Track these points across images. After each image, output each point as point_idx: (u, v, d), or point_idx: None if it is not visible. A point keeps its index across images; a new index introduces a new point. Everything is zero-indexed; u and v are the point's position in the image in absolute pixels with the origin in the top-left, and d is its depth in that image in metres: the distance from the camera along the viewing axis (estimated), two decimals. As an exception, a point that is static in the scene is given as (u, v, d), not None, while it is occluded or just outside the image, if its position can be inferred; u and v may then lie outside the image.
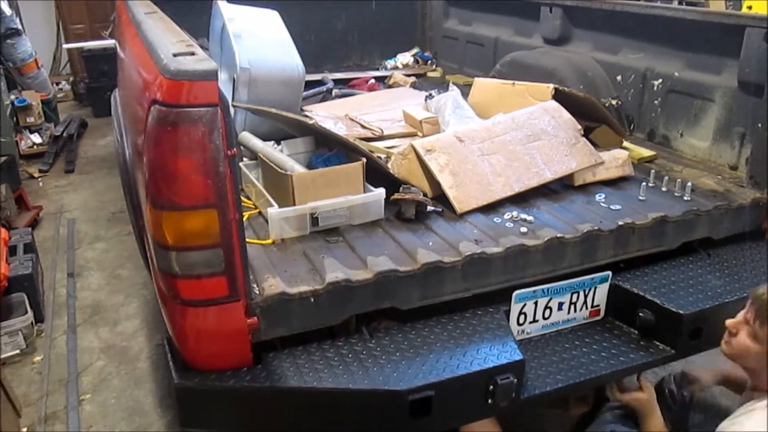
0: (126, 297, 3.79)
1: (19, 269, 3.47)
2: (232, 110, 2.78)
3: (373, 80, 4.24)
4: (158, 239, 1.60)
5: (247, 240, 1.74)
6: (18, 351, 3.28)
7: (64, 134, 6.26)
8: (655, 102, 2.97)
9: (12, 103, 5.93)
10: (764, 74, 2.40)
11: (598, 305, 2.19)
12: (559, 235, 2.10)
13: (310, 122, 2.58)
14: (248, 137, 2.59)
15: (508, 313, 2.05)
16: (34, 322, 3.40)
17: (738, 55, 2.50)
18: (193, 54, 1.58)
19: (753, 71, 2.45)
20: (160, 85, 1.49)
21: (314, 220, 2.15)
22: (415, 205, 2.23)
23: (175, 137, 1.47)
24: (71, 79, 8.06)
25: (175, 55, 1.55)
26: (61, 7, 7.87)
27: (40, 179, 5.64)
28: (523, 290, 2.05)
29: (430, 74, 4.58)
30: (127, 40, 2.45)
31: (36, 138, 6.14)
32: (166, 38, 1.80)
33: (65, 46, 7.74)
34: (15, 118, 5.98)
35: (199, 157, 1.49)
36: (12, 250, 3.65)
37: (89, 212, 4.97)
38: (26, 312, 3.34)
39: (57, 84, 7.82)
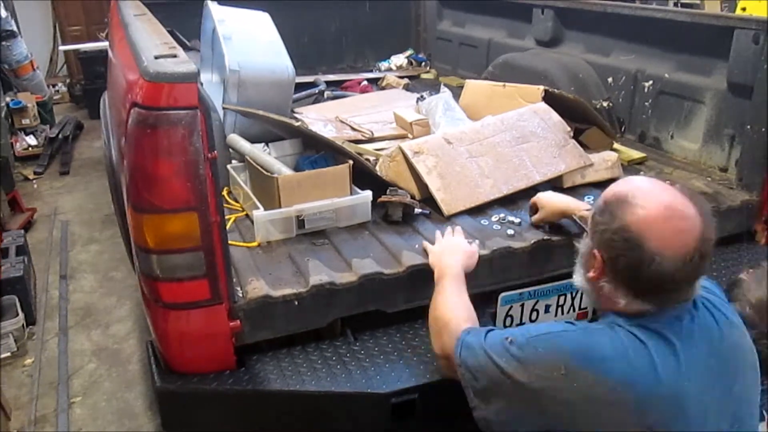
0: (118, 299, 3.78)
1: (10, 272, 3.45)
2: (221, 112, 2.78)
3: (365, 82, 4.24)
4: (139, 242, 1.59)
5: (231, 242, 1.74)
6: (9, 354, 3.26)
7: (59, 136, 6.25)
8: (646, 104, 2.96)
9: (7, 104, 5.90)
10: (753, 76, 2.39)
11: (585, 308, 2.17)
12: (546, 238, 2.09)
13: (296, 124, 2.58)
14: (236, 139, 2.59)
15: (494, 315, 2.04)
16: (25, 324, 3.39)
17: (727, 56, 2.50)
18: (174, 56, 1.57)
19: (742, 73, 2.45)
20: (140, 87, 1.49)
21: (300, 222, 2.14)
22: (402, 207, 2.22)
23: (155, 140, 1.47)
24: (67, 80, 8.05)
25: (156, 58, 1.55)
26: (57, 9, 7.84)
27: (34, 181, 5.62)
28: (509, 292, 2.04)
29: (424, 76, 4.57)
30: (116, 42, 2.45)
31: (31, 140, 6.12)
32: (151, 40, 1.79)
33: (61, 47, 7.71)
34: (10, 120, 5.95)
35: (179, 160, 1.49)
36: (4, 253, 3.64)
37: (83, 214, 4.95)
38: (17, 314, 3.32)
39: (53, 86, 7.80)
